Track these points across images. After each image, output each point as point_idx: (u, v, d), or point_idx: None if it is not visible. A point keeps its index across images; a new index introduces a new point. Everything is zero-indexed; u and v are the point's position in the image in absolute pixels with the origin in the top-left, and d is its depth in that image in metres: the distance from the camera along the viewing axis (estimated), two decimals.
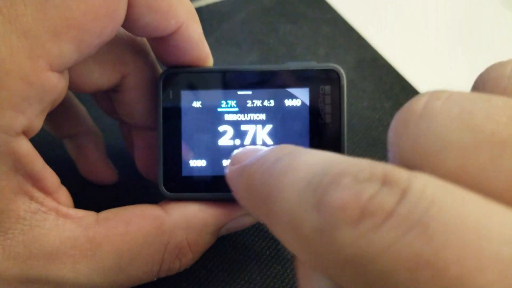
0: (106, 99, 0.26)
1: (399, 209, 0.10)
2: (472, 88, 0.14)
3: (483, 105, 0.11)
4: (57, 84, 0.19)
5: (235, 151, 0.18)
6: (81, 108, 0.28)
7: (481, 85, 0.14)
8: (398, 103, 0.35)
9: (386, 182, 0.11)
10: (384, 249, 0.10)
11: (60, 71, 0.19)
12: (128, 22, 0.20)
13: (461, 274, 0.09)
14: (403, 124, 0.12)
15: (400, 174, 0.11)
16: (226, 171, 0.17)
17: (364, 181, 0.11)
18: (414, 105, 0.12)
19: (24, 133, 0.19)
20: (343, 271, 0.11)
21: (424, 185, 0.10)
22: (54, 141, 0.30)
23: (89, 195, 0.26)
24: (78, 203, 0.22)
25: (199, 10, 0.38)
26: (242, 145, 0.23)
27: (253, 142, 0.23)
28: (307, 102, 0.23)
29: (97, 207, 0.22)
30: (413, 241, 0.10)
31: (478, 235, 0.10)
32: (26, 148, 0.19)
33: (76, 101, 0.28)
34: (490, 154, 0.11)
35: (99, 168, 0.29)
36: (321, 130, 0.23)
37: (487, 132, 0.11)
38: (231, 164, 0.17)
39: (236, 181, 0.16)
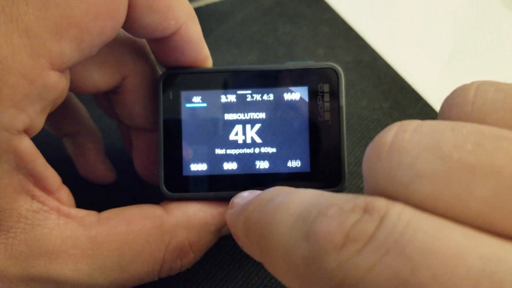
0: (105, 100, 0.26)
1: (378, 233, 0.11)
2: (439, 113, 0.15)
3: (448, 134, 0.12)
4: (58, 83, 0.19)
5: (235, 196, 0.19)
6: (80, 107, 0.28)
7: (447, 110, 0.14)
8: (396, 104, 0.35)
9: (367, 210, 0.12)
10: (367, 271, 0.11)
11: (61, 70, 0.19)
12: (128, 23, 0.20)
13: None
14: (375, 157, 0.13)
15: (380, 202, 0.12)
16: (226, 215, 0.18)
17: (348, 211, 0.12)
18: (383, 138, 0.13)
19: (26, 131, 0.19)
20: None
21: (401, 211, 0.11)
22: (54, 141, 0.29)
23: (89, 195, 0.26)
24: (78, 203, 0.22)
25: (198, 10, 0.38)
26: (242, 144, 0.23)
27: (254, 141, 0.23)
28: (306, 100, 0.23)
29: (97, 207, 0.22)
30: (391, 262, 0.11)
31: (452, 254, 0.10)
32: (27, 146, 0.19)
33: (75, 100, 0.28)
34: (461, 181, 0.11)
35: (96, 167, 0.29)
36: (320, 127, 0.23)
37: (455, 159, 0.11)
38: (230, 207, 0.18)
39: (235, 222, 0.17)
